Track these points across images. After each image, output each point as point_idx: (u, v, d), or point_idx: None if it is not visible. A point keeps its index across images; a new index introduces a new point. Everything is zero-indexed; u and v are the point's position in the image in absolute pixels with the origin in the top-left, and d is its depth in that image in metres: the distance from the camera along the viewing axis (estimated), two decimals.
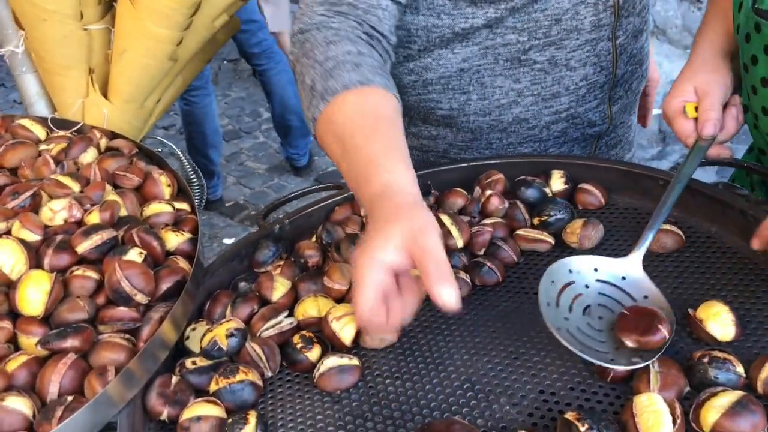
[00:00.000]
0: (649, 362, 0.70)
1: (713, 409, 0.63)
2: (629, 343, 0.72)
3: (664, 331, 0.72)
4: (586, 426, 0.64)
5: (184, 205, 1.00)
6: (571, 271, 0.82)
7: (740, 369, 0.68)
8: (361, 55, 0.89)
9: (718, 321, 0.74)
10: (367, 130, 0.82)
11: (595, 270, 0.83)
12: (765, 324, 0.76)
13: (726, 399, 0.64)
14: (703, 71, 0.92)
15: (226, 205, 3.52)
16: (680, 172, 0.87)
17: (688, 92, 0.91)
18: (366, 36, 0.95)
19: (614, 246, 0.93)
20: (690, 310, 0.76)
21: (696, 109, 0.90)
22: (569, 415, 0.65)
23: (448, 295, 0.67)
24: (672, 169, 0.98)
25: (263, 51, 3.26)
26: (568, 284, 0.81)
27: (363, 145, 0.81)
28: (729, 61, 0.94)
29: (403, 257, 0.70)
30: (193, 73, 1.32)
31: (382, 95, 0.86)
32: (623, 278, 0.82)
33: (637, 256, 0.83)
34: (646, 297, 0.80)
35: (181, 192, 1.06)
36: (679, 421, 0.63)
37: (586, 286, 0.81)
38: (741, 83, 0.94)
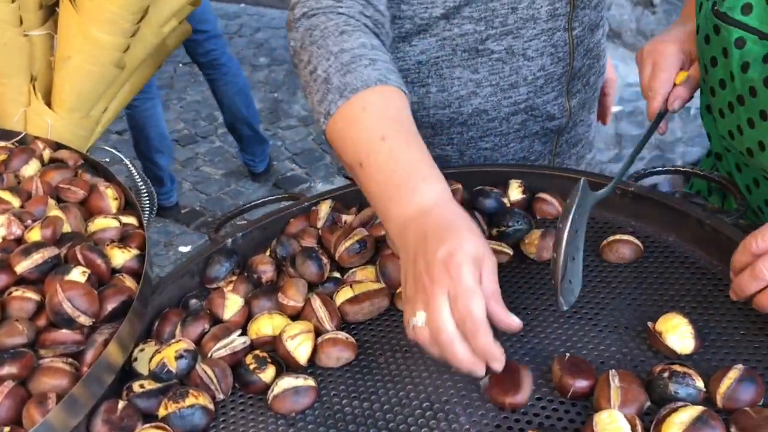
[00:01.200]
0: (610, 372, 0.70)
1: (674, 426, 0.62)
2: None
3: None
4: None
5: (131, 219, 0.96)
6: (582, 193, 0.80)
7: (700, 383, 0.67)
8: (374, 49, 0.87)
9: (678, 334, 0.73)
10: (401, 135, 0.80)
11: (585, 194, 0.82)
12: (723, 336, 0.75)
13: (686, 415, 0.63)
14: (674, 45, 0.93)
15: (182, 211, 3.45)
16: (643, 139, 0.91)
17: (688, 56, 0.92)
18: (372, 23, 0.93)
19: None
20: (649, 323, 0.76)
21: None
22: None
23: (516, 324, 0.71)
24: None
25: (210, 61, 3.21)
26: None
27: (402, 151, 0.79)
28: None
29: None
30: (142, 81, 1.28)
31: (400, 96, 0.84)
32: (576, 231, 0.80)
33: (600, 194, 0.85)
34: (576, 231, 0.79)
35: (129, 205, 1.02)
36: None
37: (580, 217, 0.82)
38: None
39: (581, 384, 0.70)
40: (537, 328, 0.82)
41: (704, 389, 0.67)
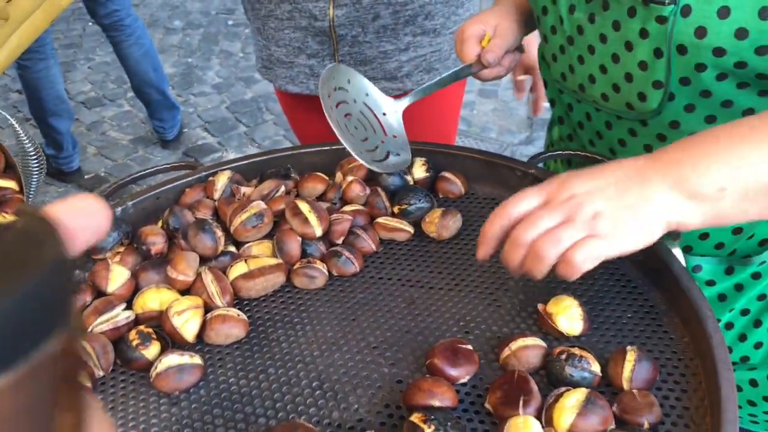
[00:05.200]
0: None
1: (566, 411, 0.62)
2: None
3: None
4: (432, 428, 0.62)
5: (10, 183, 0.89)
6: (349, 81, 0.94)
7: (596, 367, 0.68)
8: None
9: (567, 315, 0.74)
10: None
11: (366, 95, 0.95)
12: (611, 318, 0.77)
13: (574, 398, 0.63)
14: (507, 18, 0.99)
15: (86, 177, 3.30)
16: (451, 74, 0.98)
17: (489, 25, 0.98)
18: None
19: (472, 236, 0.92)
20: (540, 305, 0.76)
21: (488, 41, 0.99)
22: (415, 417, 0.63)
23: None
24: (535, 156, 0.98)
25: (113, 23, 3.05)
26: (341, 89, 0.93)
27: None
28: (523, 24, 1.02)
29: None
30: (31, 35, 1.19)
31: None
32: (383, 114, 0.95)
33: (403, 104, 0.96)
34: (395, 137, 0.95)
35: (9, 168, 0.95)
36: None
37: (354, 101, 0.94)
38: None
39: (454, 373, 0.70)
40: (432, 306, 0.81)
41: (599, 374, 0.68)
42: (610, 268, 0.84)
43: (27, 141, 1.21)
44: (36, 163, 1.21)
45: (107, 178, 3.31)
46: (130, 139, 3.59)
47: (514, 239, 0.66)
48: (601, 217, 0.63)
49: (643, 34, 0.76)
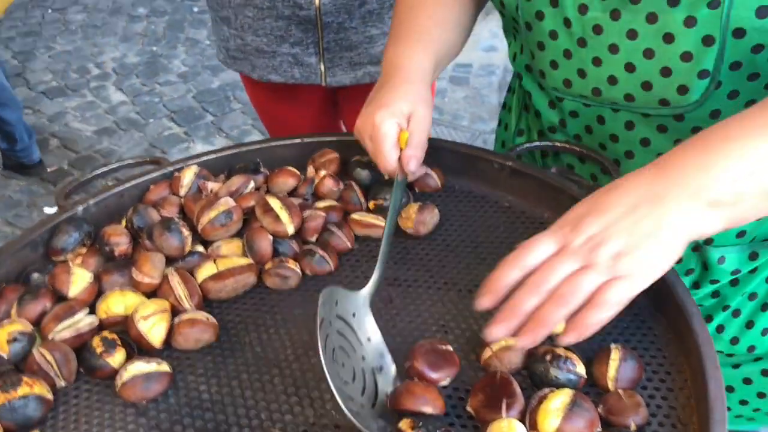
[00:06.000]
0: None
1: (551, 413, 0.60)
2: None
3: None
4: None
5: None
6: (322, 304, 0.67)
7: (581, 369, 0.66)
8: None
9: None
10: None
11: (336, 303, 0.70)
12: None
13: (559, 400, 0.61)
14: (421, 103, 0.84)
15: (48, 170, 3.21)
16: (391, 210, 0.80)
17: (403, 117, 0.83)
18: None
19: (449, 231, 0.89)
20: None
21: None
22: (403, 424, 0.61)
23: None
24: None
25: None
26: (323, 322, 0.66)
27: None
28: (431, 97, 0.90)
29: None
30: None
31: None
32: (353, 315, 0.72)
33: (366, 291, 0.74)
34: (369, 339, 0.71)
35: None
36: None
37: (330, 323, 0.68)
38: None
39: (435, 375, 0.67)
40: (410, 305, 0.79)
41: (584, 376, 0.66)
42: None
43: None
44: None
45: (71, 171, 3.22)
46: (93, 131, 3.50)
47: (530, 287, 0.61)
48: (622, 256, 0.59)
49: (689, 22, 0.72)
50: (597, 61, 0.82)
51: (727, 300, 0.92)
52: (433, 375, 0.67)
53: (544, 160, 1.05)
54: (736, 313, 0.93)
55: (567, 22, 0.82)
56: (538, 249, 0.62)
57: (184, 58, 4.14)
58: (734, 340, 0.94)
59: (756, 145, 0.60)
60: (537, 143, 0.95)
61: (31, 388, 0.66)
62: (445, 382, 0.68)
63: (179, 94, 3.77)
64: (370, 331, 0.72)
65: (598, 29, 0.79)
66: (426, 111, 0.85)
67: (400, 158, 0.83)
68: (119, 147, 3.36)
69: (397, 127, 0.82)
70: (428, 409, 0.63)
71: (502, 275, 0.63)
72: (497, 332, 0.62)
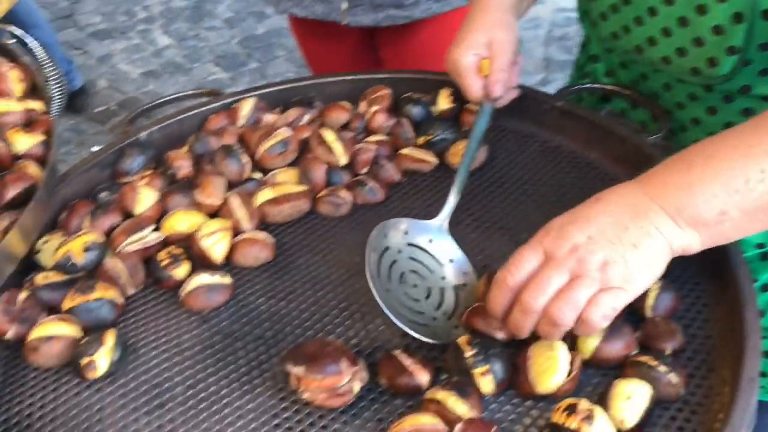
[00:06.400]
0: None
1: (591, 336, 0.64)
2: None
3: None
4: (474, 351, 0.63)
5: (37, 104, 0.89)
6: (386, 236, 0.75)
7: None
8: None
9: None
10: None
11: (405, 233, 0.76)
12: None
13: None
14: (498, 27, 0.88)
15: (96, 110, 3.28)
16: (472, 135, 0.84)
17: (481, 46, 0.87)
18: None
19: (496, 168, 0.92)
20: None
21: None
22: (461, 340, 0.64)
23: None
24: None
25: None
26: (385, 251, 0.74)
27: None
28: (516, 17, 0.92)
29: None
30: None
31: None
32: (430, 241, 0.77)
33: (442, 218, 0.79)
34: (451, 261, 0.76)
35: (36, 90, 0.94)
36: (574, 372, 0.62)
37: (399, 251, 0.75)
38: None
39: None
40: (456, 239, 0.82)
41: None
42: None
43: (49, 64, 1.21)
44: (58, 87, 1.21)
45: (117, 111, 3.29)
46: (140, 73, 3.56)
47: (524, 307, 0.61)
48: (609, 265, 0.59)
49: None
50: (638, 21, 0.82)
51: (756, 274, 0.92)
52: None
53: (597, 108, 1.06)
54: (764, 288, 0.94)
55: None
56: (523, 265, 0.62)
57: (230, 3, 4.14)
58: (759, 313, 0.94)
59: (739, 166, 0.59)
60: (587, 85, 0.96)
61: (105, 292, 0.72)
62: None
63: (224, 40, 3.79)
64: (451, 253, 0.77)
65: None
66: (506, 34, 0.87)
67: (486, 86, 0.87)
68: (165, 90, 3.41)
69: (475, 58, 0.86)
70: (499, 335, 0.67)
71: (494, 301, 0.64)
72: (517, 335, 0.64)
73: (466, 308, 0.70)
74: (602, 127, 0.89)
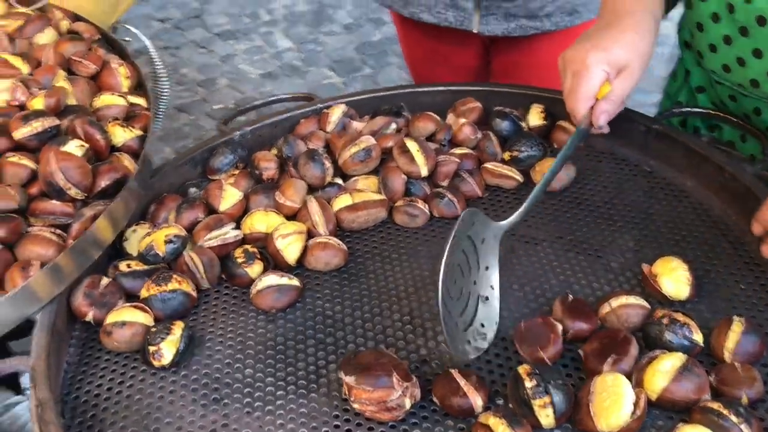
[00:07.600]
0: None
1: (659, 374, 0.60)
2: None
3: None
4: (534, 382, 0.60)
5: (140, 101, 0.94)
6: (473, 222, 0.72)
7: (698, 337, 0.64)
8: None
9: (673, 278, 0.70)
10: None
11: (473, 224, 0.72)
12: (722, 286, 0.72)
13: (670, 363, 0.61)
14: (637, 55, 0.78)
15: (215, 107, 3.44)
16: (560, 154, 0.79)
17: (615, 65, 0.78)
18: None
19: (583, 190, 0.88)
20: (645, 265, 0.73)
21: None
22: (521, 369, 0.62)
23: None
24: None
25: None
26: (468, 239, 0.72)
27: None
28: (659, 21, 0.82)
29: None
30: None
31: None
32: (483, 241, 0.73)
33: (503, 225, 0.76)
34: (487, 268, 0.73)
35: (141, 87, 1.00)
36: (639, 413, 0.58)
37: (461, 240, 0.71)
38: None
39: (580, 326, 0.68)
40: (533, 257, 0.79)
41: (701, 344, 0.64)
42: (729, 235, 0.78)
43: (160, 66, 1.27)
44: (167, 87, 1.27)
45: (235, 109, 3.43)
46: (259, 74, 3.70)
47: None
48: None
49: None
50: (758, 53, 0.77)
51: None
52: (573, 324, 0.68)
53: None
54: None
55: (730, 8, 0.77)
56: None
57: (350, 9, 4.24)
58: None
59: None
60: (688, 108, 0.91)
61: (180, 285, 0.75)
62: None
63: (341, 45, 3.88)
64: (490, 262, 0.74)
65: (762, 20, 0.75)
66: (639, 68, 0.79)
67: (593, 107, 0.79)
68: (281, 91, 3.53)
69: (604, 75, 0.78)
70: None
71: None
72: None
73: (480, 324, 0.69)
74: (699, 153, 0.84)
